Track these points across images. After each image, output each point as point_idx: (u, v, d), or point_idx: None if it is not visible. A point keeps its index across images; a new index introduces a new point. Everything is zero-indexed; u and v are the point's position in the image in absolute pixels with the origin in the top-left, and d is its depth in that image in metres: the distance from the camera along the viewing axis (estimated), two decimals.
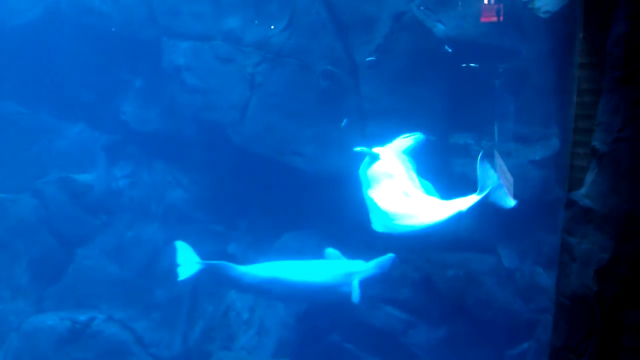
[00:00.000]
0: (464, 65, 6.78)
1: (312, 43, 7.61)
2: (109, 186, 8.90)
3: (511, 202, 6.14)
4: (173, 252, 7.57)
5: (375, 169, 6.71)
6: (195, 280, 8.72)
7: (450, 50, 6.89)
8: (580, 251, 3.58)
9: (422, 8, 6.94)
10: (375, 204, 6.55)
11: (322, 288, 7.24)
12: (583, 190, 3.57)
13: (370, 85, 7.47)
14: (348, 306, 7.26)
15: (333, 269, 7.29)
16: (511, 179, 6.04)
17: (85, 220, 8.86)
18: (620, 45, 3.30)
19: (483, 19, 6.81)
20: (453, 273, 7.53)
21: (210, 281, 8.20)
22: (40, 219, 8.80)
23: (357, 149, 6.87)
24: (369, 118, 7.58)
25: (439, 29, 7.00)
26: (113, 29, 8.51)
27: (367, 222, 6.64)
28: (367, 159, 6.84)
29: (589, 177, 3.53)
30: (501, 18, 6.71)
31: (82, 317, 8.56)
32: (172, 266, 7.57)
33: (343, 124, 7.49)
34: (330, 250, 7.43)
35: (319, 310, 8.05)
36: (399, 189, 6.52)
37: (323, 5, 7.51)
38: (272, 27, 7.83)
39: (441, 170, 7.22)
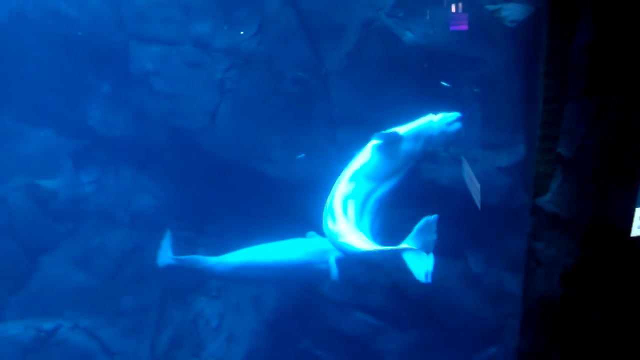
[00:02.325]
0: (442, 83, 6.82)
1: (283, 49, 7.61)
2: (75, 192, 8.77)
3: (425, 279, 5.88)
4: (160, 238, 7.56)
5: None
6: (164, 288, 8.66)
7: (426, 66, 6.96)
8: (546, 256, 3.63)
9: (393, 17, 6.99)
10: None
11: (297, 266, 7.04)
12: (548, 196, 3.63)
13: (340, 92, 7.50)
14: (325, 289, 7.01)
15: (308, 247, 7.12)
16: (478, 185, 6.11)
17: (51, 227, 8.71)
18: (584, 54, 3.37)
19: (451, 28, 6.89)
20: None
21: (179, 288, 8.13)
22: (4, 225, 8.63)
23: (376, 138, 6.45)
24: (338, 124, 7.60)
25: (408, 37, 7.06)
26: (79, 33, 8.40)
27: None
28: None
29: (554, 184, 3.60)
30: (469, 27, 6.80)
31: (47, 326, 8.42)
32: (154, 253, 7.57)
33: (300, 156, 7.54)
34: (311, 234, 7.34)
35: (290, 314, 8.04)
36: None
37: (293, 11, 7.52)
38: (242, 32, 7.81)
39: (410, 176, 7.26)
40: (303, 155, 7.53)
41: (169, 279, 8.67)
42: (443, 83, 6.78)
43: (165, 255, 7.54)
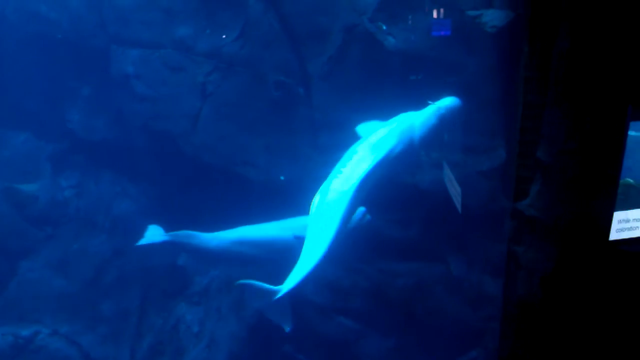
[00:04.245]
0: (429, 102, 6.88)
1: (265, 53, 7.61)
2: (55, 197, 8.68)
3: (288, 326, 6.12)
4: (143, 231, 7.47)
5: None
6: (144, 293, 8.58)
7: (419, 78, 7.02)
8: (525, 260, 3.67)
9: (376, 22, 7.03)
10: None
11: (291, 242, 7.02)
12: (528, 201, 3.66)
13: (322, 96, 7.51)
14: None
15: (301, 222, 7.00)
16: (459, 189, 6.15)
17: (30, 231, 8.61)
18: (563, 60, 3.41)
19: (433, 33, 6.94)
20: (403, 282, 7.60)
21: (160, 293, 8.06)
22: None
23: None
24: (320, 128, 7.61)
25: (390, 41, 7.10)
26: (60, 36, 8.32)
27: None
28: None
29: (534, 188, 3.63)
30: (450, 32, 6.85)
31: (25, 332, 8.30)
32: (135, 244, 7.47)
33: (282, 178, 7.55)
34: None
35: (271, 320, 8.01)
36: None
37: (276, 16, 7.52)
38: (224, 36, 7.80)
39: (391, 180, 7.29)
40: (283, 178, 7.56)
41: (150, 284, 8.61)
42: (429, 102, 6.84)
43: (156, 233, 7.42)
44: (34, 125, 8.81)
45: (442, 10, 6.90)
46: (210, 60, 7.83)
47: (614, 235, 3.43)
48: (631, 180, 3.42)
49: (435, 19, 6.95)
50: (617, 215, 3.44)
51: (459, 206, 6.09)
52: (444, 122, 6.68)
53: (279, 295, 5.81)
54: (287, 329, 6.25)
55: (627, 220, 3.45)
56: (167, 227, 8.53)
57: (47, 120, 8.77)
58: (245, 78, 7.74)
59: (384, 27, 6.90)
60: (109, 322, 8.50)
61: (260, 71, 7.66)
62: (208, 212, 8.32)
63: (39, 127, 8.81)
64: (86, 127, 8.68)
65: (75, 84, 8.65)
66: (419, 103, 6.83)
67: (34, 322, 8.44)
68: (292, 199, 7.16)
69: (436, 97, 6.78)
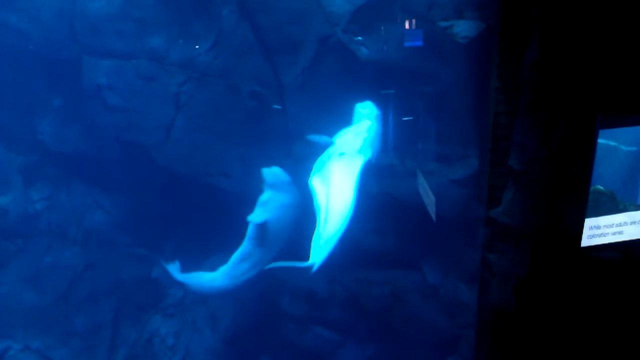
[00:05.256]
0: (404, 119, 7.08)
1: (239, 63, 7.60)
2: (26, 209, 8.54)
3: None
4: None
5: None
6: (117, 307, 8.47)
7: (392, 92, 7.11)
8: (499, 267, 3.70)
9: (349, 33, 7.09)
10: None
11: None
12: (501, 208, 3.71)
13: (296, 106, 7.53)
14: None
15: None
16: (433, 198, 6.20)
17: (0, 245, 8.45)
18: (533, 70, 3.47)
19: (405, 44, 7.01)
20: (379, 291, 7.62)
21: (134, 307, 7.96)
22: None
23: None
24: (295, 138, 7.62)
25: (363, 52, 7.15)
26: (31, 47, 8.22)
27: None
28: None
29: (507, 196, 3.67)
30: (422, 43, 6.92)
31: None
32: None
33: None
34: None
35: (247, 330, 7.97)
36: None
37: (249, 26, 7.52)
38: (198, 47, 7.77)
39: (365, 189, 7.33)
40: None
41: (123, 297, 8.50)
42: (405, 118, 7.02)
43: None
44: (5, 137, 8.66)
45: (414, 21, 6.97)
46: (183, 70, 7.80)
47: (585, 242, 3.47)
48: (601, 187, 3.47)
49: (407, 29, 7.02)
50: (588, 222, 3.48)
51: (433, 215, 6.14)
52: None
53: (315, 269, 6.00)
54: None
55: (598, 227, 3.49)
56: (140, 242, 8.49)
57: (17, 131, 8.63)
58: (219, 88, 7.72)
59: (360, 38, 6.97)
60: (82, 336, 8.37)
61: (234, 81, 7.65)
62: (182, 223, 8.27)
63: (10, 138, 8.66)
64: (58, 138, 8.57)
65: (46, 94, 8.53)
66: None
67: (5, 337, 8.28)
68: None
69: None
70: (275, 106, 7.46)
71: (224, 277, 7.30)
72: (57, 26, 8.13)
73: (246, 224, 7.31)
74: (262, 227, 7.16)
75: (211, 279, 7.34)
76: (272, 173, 7.33)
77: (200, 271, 7.50)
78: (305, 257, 6.39)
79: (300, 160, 7.30)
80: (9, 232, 8.48)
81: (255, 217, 7.18)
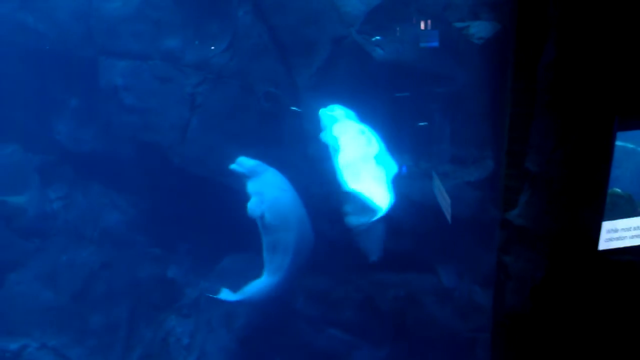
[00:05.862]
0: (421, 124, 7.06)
1: (254, 64, 7.61)
2: (43, 209, 8.63)
3: None
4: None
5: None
6: (133, 306, 8.52)
7: (407, 95, 7.08)
8: (515, 270, 3.67)
9: (364, 34, 7.08)
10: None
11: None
12: (517, 211, 3.67)
13: (311, 107, 7.53)
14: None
15: None
16: (449, 200, 6.16)
17: (18, 244, 8.54)
18: (550, 71, 3.43)
19: (420, 45, 6.97)
20: (394, 293, 7.60)
21: (149, 306, 8.00)
22: None
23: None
24: (310, 139, 7.62)
25: (378, 53, 7.12)
26: (47, 48, 8.29)
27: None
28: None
29: (523, 198, 3.64)
30: (438, 44, 6.89)
31: (13, 346, 8.22)
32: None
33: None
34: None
35: (262, 331, 7.98)
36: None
37: (264, 27, 7.53)
38: (213, 48, 7.80)
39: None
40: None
41: (139, 296, 8.55)
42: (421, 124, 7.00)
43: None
44: (22, 137, 8.76)
45: (429, 22, 6.94)
46: (198, 71, 7.83)
47: (602, 245, 3.44)
48: (619, 190, 3.43)
49: (422, 30, 6.99)
50: (606, 225, 3.44)
51: (449, 217, 6.11)
52: None
53: (387, 209, 6.16)
54: (374, 258, 6.21)
55: (616, 230, 3.46)
56: (155, 241, 8.52)
57: (34, 131, 8.72)
58: (234, 89, 7.74)
59: (378, 38, 6.94)
60: (97, 335, 8.43)
61: (249, 82, 7.66)
62: (196, 223, 8.30)
63: (27, 138, 8.76)
64: (74, 138, 8.64)
65: (63, 95, 8.61)
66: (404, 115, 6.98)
67: (22, 335, 8.36)
68: None
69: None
70: (293, 108, 7.44)
71: (270, 275, 7.12)
72: (73, 27, 8.21)
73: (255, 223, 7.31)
74: (268, 211, 7.06)
75: (262, 283, 7.20)
76: (241, 164, 7.25)
77: (247, 285, 7.34)
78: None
79: (315, 161, 7.29)
80: (27, 231, 8.57)
81: (255, 206, 7.09)
